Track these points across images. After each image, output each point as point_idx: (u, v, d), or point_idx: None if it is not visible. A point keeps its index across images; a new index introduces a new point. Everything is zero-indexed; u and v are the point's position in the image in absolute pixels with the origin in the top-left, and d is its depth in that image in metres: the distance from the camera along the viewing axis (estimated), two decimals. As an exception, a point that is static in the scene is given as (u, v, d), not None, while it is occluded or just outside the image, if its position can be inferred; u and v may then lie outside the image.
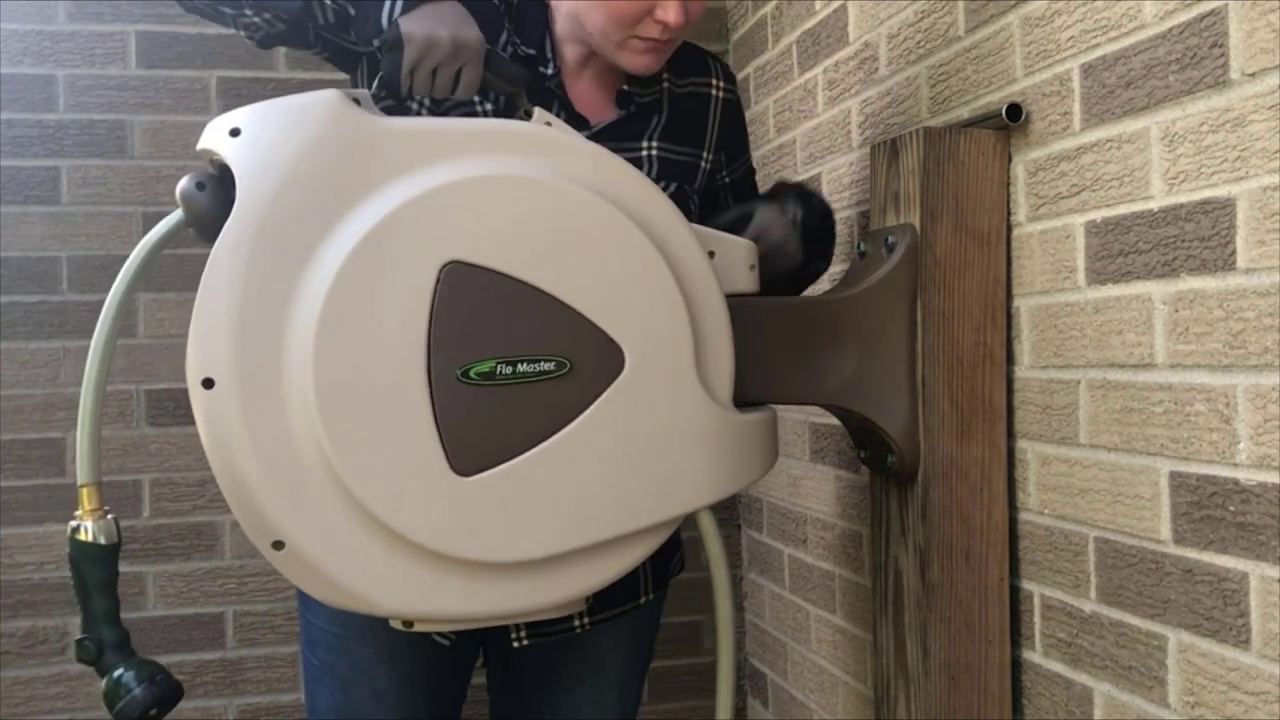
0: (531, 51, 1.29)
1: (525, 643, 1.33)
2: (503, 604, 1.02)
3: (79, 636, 1.02)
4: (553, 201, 1.01)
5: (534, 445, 1.00)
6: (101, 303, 1.05)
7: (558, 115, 1.26)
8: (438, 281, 0.97)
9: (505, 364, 0.99)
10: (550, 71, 1.29)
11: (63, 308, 2.11)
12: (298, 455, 0.95)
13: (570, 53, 1.31)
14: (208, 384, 0.94)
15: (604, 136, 1.28)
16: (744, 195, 1.45)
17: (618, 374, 1.02)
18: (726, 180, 1.43)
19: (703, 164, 1.37)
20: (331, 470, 0.95)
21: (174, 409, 2.11)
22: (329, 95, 1.00)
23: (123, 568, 1.06)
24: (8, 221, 2.10)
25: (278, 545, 0.96)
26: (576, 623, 1.33)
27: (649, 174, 1.31)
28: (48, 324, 2.10)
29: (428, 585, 0.99)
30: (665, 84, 1.35)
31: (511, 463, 0.99)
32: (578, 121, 1.29)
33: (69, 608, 2.10)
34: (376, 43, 1.10)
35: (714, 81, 1.40)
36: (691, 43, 1.38)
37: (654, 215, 1.05)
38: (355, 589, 0.98)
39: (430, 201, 0.98)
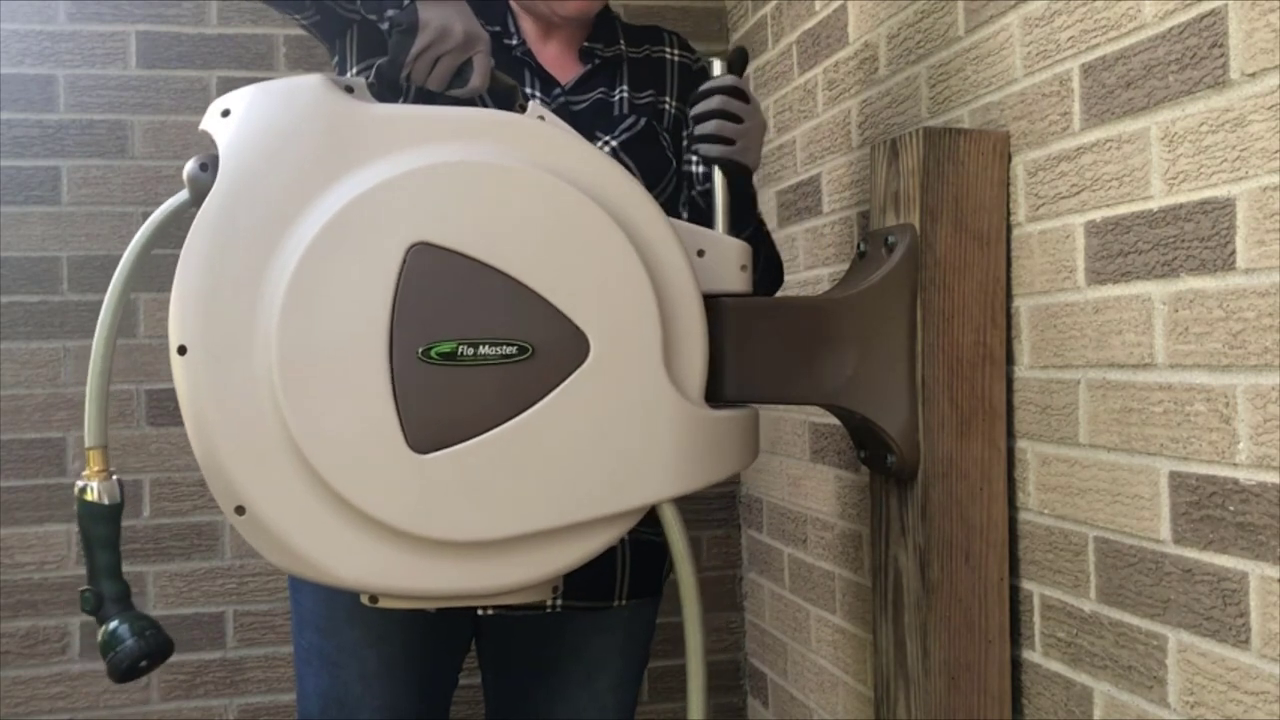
0: (495, 28, 1.36)
1: (489, 612, 1.36)
2: (458, 583, 1.03)
3: (82, 588, 1.07)
4: (524, 189, 1.02)
5: (492, 427, 1.01)
6: (101, 303, 1.06)
7: (531, 81, 1.35)
8: (404, 262, 0.99)
9: (467, 345, 1.00)
10: (515, 42, 1.37)
11: (63, 308, 2.11)
12: (262, 423, 0.98)
13: (530, 25, 1.40)
14: (182, 351, 0.99)
15: (578, 89, 1.37)
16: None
17: (581, 362, 1.02)
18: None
19: (667, 107, 1.43)
20: (292, 441, 0.98)
21: (174, 409, 2.09)
22: (314, 79, 1.03)
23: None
24: (8, 221, 2.10)
25: (239, 510, 0.99)
26: (548, 606, 1.33)
27: (620, 113, 1.38)
28: (48, 324, 2.11)
29: (383, 559, 1.01)
30: (622, 47, 1.43)
31: (469, 443, 1.00)
32: (549, 81, 1.36)
33: (69, 607, 2.10)
34: (390, 23, 1.11)
35: (668, 48, 1.47)
36: (650, 25, 1.50)
37: (631, 209, 1.06)
38: (312, 558, 1.01)
39: (401, 184, 1.00)
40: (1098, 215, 1.14)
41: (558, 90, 1.35)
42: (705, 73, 1.48)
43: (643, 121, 1.38)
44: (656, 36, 1.47)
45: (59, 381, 2.11)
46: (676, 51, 1.47)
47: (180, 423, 1.01)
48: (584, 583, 1.11)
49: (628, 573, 1.38)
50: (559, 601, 1.33)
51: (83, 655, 2.11)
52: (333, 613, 1.32)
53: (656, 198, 1.34)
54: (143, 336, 2.14)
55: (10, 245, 2.10)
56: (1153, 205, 1.06)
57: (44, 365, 2.10)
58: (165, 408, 2.14)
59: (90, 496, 1.07)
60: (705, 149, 1.24)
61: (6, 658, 2.09)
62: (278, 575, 2.14)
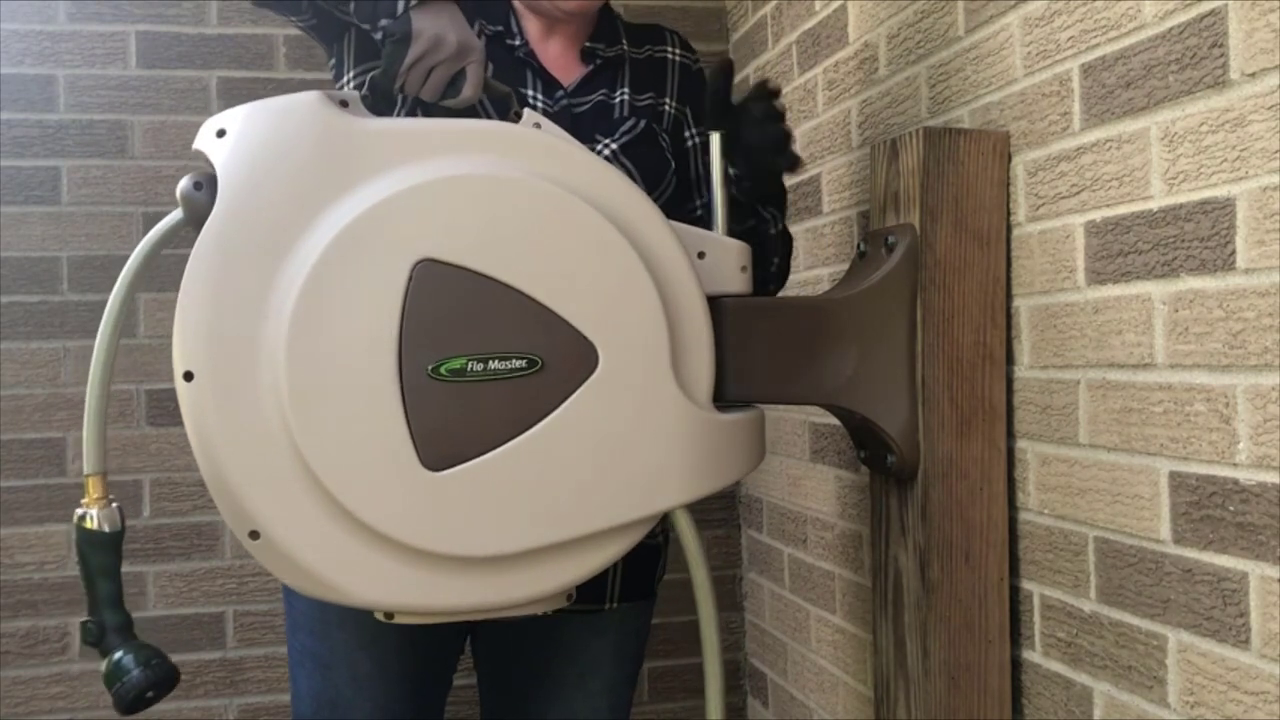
0: (499, 28, 1.36)
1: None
2: (474, 598, 1.04)
3: (84, 619, 1.05)
4: (527, 200, 1.02)
5: (504, 442, 1.01)
6: (102, 303, 1.07)
7: (533, 83, 1.34)
8: (410, 279, 0.99)
9: (476, 361, 1.00)
10: (518, 43, 1.36)
11: (63, 308, 2.11)
12: (272, 447, 0.98)
13: (533, 26, 1.39)
14: (188, 377, 0.98)
15: (580, 91, 1.37)
16: None
17: (591, 373, 1.02)
18: (695, 141, 1.46)
19: (667, 108, 1.43)
20: (303, 463, 0.98)
21: (174, 409, 2.08)
22: (310, 97, 1.02)
23: (123, 567, 1.08)
24: (8, 221, 2.10)
25: (254, 535, 0.99)
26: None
27: (620, 115, 1.38)
28: (48, 324, 2.11)
29: (399, 577, 1.01)
30: (624, 47, 1.43)
31: (481, 459, 1.00)
32: (551, 83, 1.36)
33: (69, 607, 2.10)
34: (383, 32, 1.11)
35: (669, 48, 1.48)
36: (652, 23, 1.51)
37: (634, 215, 1.06)
38: (328, 579, 1.00)
39: (404, 200, 1.00)
40: (1098, 215, 1.14)
41: (560, 93, 1.35)
42: (704, 74, 1.49)
43: (642, 124, 1.38)
44: (659, 36, 1.47)
45: (59, 381, 2.11)
46: (678, 51, 1.47)
47: (180, 423, 1.00)
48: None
49: (619, 575, 1.38)
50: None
51: (83, 655, 2.11)
52: (324, 615, 1.31)
53: (656, 200, 1.34)
54: (143, 336, 2.14)
55: (10, 245, 2.10)
56: (1153, 205, 1.06)
57: (44, 365, 2.10)
58: (165, 408, 2.14)
59: (90, 525, 1.05)
60: (782, 161, 1.29)
61: (6, 658, 2.09)
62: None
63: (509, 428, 1.01)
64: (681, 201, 1.43)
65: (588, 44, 1.40)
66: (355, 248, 0.98)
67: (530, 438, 1.01)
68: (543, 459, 1.02)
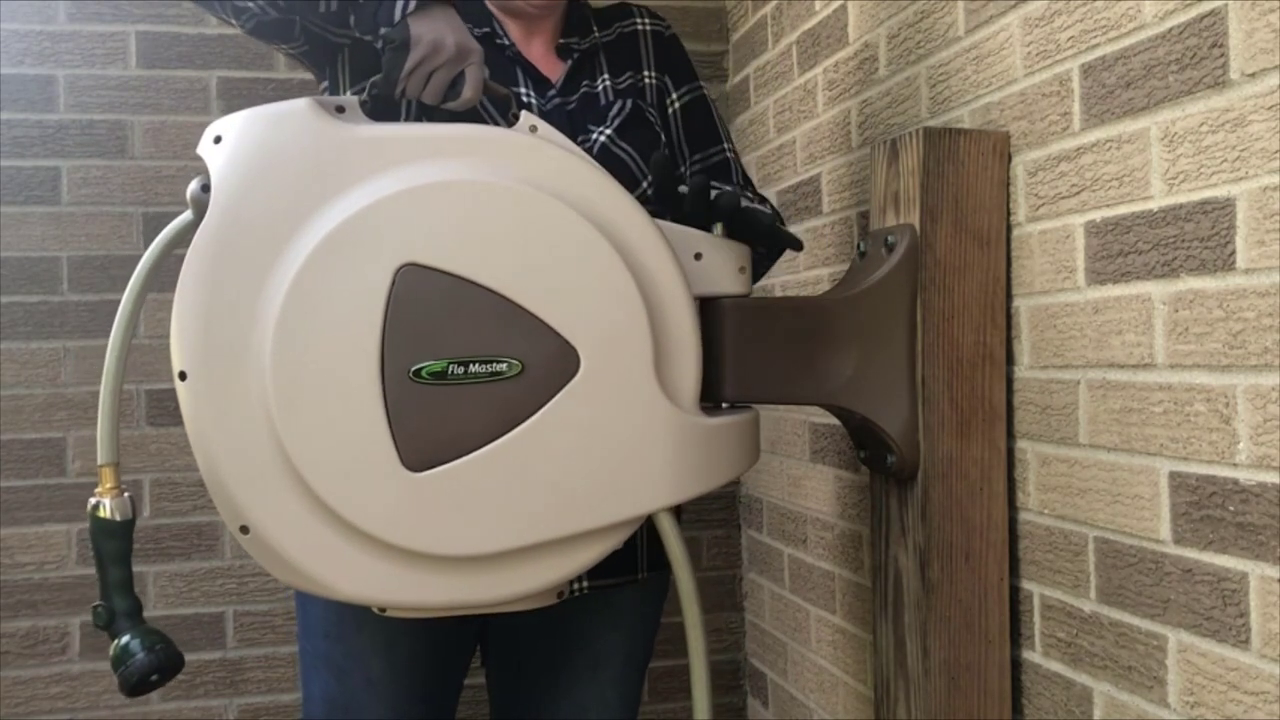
0: (485, 29, 1.37)
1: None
2: (459, 595, 1.05)
3: (95, 604, 1.10)
4: (509, 205, 1.03)
5: (485, 444, 1.02)
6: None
7: (524, 82, 1.36)
8: (393, 283, 1.01)
9: (457, 364, 1.02)
10: (506, 43, 1.38)
11: (63, 308, 2.11)
12: (260, 446, 1.01)
13: (513, 27, 1.41)
14: (182, 376, 1.01)
15: (567, 89, 1.38)
16: (697, 123, 1.49)
17: (572, 376, 1.03)
18: (677, 105, 1.47)
19: (647, 81, 1.45)
20: (289, 462, 1.00)
21: (174, 409, 2.11)
22: (301, 104, 1.04)
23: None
24: (8, 221, 2.10)
25: (244, 530, 1.02)
26: (575, 586, 1.32)
27: (607, 102, 1.39)
28: (48, 324, 2.11)
29: (383, 574, 1.03)
30: (596, 35, 1.44)
31: (462, 460, 1.02)
32: (541, 82, 1.38)
33: (69, 607, 2.10)
34: (382, 39, 1.11)
35: (637, 20, 1.49)
36: (618, 3, 1.51)
37: (617, 217, 1.06)
38: (314, 575, 1.03)
39: (387, 205, 1.01)
40: (1098, 215, 1.14)
41: (552, 92, 1.37)
42: (677, 39, 1.50)
43: (629, 104, 1.39)
44: (625, 12, 1.49)
45: (59, 381, 2.11)
46: (647, 21, 1.49)
47: (180, 423, 1.02)
48: (607, 560, 1.11)
49: (645, 543, 1.38)
50: (586, 584, 1.33)
51: (83, 655, 2.11)
52: (341, 618, 1.32)
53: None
54: (143, 336, 2.14)
55: (10, 245, 2.10)
56: (1153, 205, 1.06)
57: (44, 365, 2.10)
58: (165, 408, 2.14)
59: (103, 513, 1.09)
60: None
61: (6, 658, 2.09)
62: (278, 575, 2.15)
63: (490, 430, 1.02)
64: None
65: (562, 40, 1.41)
66: (340, 252, 1.00)
67: (511, 440, 1.02)
68: (523, 461, 1.03)
